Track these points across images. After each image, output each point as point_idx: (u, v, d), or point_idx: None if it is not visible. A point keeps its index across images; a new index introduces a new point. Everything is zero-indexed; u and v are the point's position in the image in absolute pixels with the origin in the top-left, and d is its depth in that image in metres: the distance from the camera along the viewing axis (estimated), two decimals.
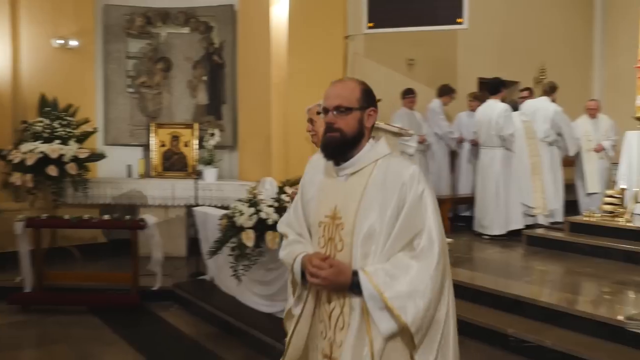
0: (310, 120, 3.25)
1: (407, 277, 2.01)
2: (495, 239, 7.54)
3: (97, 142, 7.82)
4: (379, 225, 2.07)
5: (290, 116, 7.16)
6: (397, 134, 6.47)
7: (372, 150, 2.19)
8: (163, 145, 8.00)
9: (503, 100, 7.84)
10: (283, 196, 5.03)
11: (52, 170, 6.76)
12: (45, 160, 6.74)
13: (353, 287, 2.06)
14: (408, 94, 8.38)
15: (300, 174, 6.35)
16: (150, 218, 6.15)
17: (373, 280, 2.01)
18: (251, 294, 5.44)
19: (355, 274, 2.06)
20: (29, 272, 6.02)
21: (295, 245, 2.31)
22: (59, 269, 6.43)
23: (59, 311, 5.88)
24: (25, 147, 6.78)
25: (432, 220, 2.06)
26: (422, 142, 8.32)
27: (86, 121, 7.43)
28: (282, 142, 7.33)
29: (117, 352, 4.95)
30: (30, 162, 6.68)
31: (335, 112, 2.14)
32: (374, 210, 2.09)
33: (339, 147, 2.16)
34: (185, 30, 8.23)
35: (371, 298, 2.02)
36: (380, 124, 6.42)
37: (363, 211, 2.11)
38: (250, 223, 4.92)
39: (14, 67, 7.36)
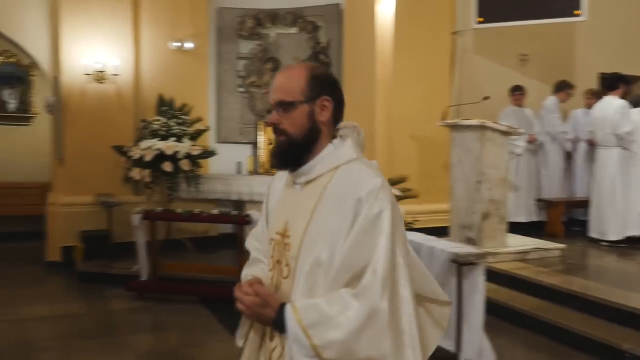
0: None
1: (344, 319, 1.58)
2: (613, 245, 7.03)
3: (209, 140, 8.12)
4: (329, 254, 1.65)
5: (394, 114, 7.10)
6: (506, 133, 6.24)
7: (334, 153, 1.76)
8: (270, 144, 8.21)
9: (624, 97, 7.29)
10: None
11: (167, 166, 7.13)
12: (161, 156, 7.12)
13: (277, 323, 1.66)
14: (516, 91, 8.02)
15: (404, 172, 6.26)
16: (255, 214, 6.31)
17: (302, 322, 1.60)
18: None
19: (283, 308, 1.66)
20: (145, 261, 6.39)
21: (255, 266, 1.93)
22: (173, 260, 6.75)
23: (171, 300, 6.21)
24: (144, 144, 7.20)
25: (382, 252, 1.60)
26: (531, 141, 7.93)
27: (199, 120, 7.77)
28: (387, 140, 7.29)
29: (221, 341, 5.15)
30: (148, 158, 7.08)
31: (278, 110, 1.74)
32: (324, 234, 1.67)
33: (288, 152, 1.75)
34: (294, 30, 8.40)
35: (296, 341, 1.61)
36: (487, 122, 6.23)
37: (312, 233, 1.69)
38: None
39: (135, 69, 7.86)
